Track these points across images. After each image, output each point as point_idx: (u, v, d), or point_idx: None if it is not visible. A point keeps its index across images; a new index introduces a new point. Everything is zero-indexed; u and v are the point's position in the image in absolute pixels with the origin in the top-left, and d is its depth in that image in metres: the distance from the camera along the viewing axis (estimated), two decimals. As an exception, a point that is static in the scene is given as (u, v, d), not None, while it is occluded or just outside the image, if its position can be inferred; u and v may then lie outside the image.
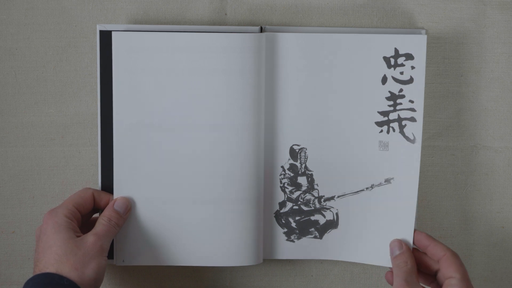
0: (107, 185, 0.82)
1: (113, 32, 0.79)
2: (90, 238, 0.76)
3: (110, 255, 0.81)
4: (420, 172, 0.86)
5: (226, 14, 0.84)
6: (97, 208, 0.81)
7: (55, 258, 0.74)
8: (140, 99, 0.79)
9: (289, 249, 0.85)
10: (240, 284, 0.88)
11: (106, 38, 0.80)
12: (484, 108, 0.86)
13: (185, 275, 0.88)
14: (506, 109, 0.86)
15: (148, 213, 0.81)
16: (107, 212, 0.79)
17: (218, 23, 0.84)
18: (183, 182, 0.80)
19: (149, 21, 0.83)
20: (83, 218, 0.80)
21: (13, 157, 0.85)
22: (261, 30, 0.82)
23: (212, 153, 0.80)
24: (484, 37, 0.85)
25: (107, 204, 0.80)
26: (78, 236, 0.76)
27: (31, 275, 0.87)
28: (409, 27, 0.84)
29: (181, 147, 0.80)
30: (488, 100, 0.86)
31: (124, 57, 0.79)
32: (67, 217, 0.77)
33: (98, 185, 0.82)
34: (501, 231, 0.88)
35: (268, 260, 0.87)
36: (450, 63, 0.85)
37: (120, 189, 0.81)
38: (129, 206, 0.81)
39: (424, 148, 0.86)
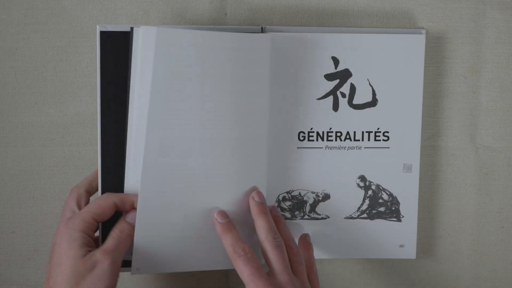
0: (107, 186, 0.80)
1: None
2: (98, 256, 0.73)
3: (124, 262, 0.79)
4: (420, 172, 0.86)
5: (226, 14, 0.84)
6: (121, 211, 0.78)
7: (63, 279, 0.72)
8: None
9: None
10: (240, 284, 0.88)
11: (106, 38, 0.79)
12: (484, 108, 0.86)
13: (185, 275, 0.88)
14: (506, 109, 0.86)
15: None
16: (119, 225, 0.76)
17: (218, 23, 0.84)
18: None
19: (149, 21, 0.83)
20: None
21: (13, 157, 0.86)
22: (261, 30, 0.82)
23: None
24: (484, 37, 0.85)
25: (131, 206, 0.77)
26: (91, 251, 0.73)
27: (31, 275, 0.87)
28: (409, 27, 0.84)
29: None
30: (488, 100, 0.86)
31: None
32: (83, 231, 0.74)
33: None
34: (501, 231, 0.89)
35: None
36: (450, 63, 0.85)
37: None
38: None
39: (424, 148, 0.86)
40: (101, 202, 0.76)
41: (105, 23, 0.82)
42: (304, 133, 0.83)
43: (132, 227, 0.77)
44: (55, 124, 0.85)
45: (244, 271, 0.73)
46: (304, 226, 0.85)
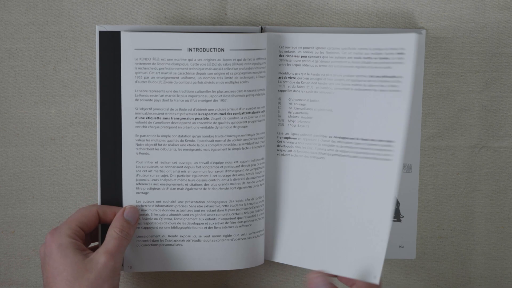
0: (107, 187, 0.80)
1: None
2: (101, 258, 0.73)
3: None
4: (420, 172, 0.86)
5: (226, 14, 0.84)
6: (104, 223, 0.78)
7: (66, 284, 0.71)
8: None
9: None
10: (241, 284, 0.88)
11: (106, 38, 0.78)
12: (484, 108, 0.86)
13: (185, 274, 0.88)
14: (506, 109, 0.86)
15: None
16: (118, 223, 0.76)
17: (218, 23, 0.84)
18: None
19: (149, 21, 0.83)
20: (87, 236, 0.78)
21: (13, 157, 0.85)
22: (261, 30, 0.82)
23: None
24: (484, 37, 0.85)
25: (113, 217, 0.77)
26: (86, 255, 0.73)
27: (31, 275, 0.87)
28: (409, 27, 0.84)
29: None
30: (488, 100, 0.86)
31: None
32: (71, 237, 0.73)
33: (97, 187, 0.81)
34: (501, 231, 0.89)
35: (268, 261, 0.87)
36: (450, 63, 0.85)
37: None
38: (137, 215, 0.78)
39: (424, 148, 0.86)
40: (84, 211, 0.76)
41: (105, 23, 0.82)
42: (304, 133, 0.83)
43: (130, 225, 0.76)
44: (55, 124, 0.85)
45: None
46: None
